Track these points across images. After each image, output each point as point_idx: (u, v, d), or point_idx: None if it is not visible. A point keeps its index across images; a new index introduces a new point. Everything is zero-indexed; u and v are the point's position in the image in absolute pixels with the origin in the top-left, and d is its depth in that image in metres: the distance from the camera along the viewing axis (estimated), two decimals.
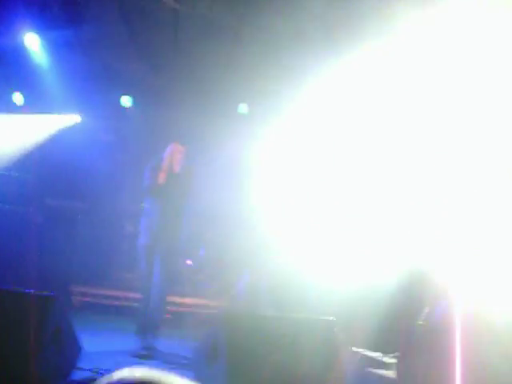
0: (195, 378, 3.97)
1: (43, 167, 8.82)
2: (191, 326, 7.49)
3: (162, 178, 5.57)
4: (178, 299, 7.85)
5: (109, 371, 3.74)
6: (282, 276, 8.07)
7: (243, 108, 9.08)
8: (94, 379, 3.94)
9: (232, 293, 8.18)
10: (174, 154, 5.65)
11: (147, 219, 5.75)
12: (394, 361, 4.76)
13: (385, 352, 5.37)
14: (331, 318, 4.09)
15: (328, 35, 7.29)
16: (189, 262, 8.72)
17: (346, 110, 7.64)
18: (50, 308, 3.62)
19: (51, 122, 9.11)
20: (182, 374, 3.66)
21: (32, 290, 3.78)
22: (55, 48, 7.63)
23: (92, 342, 4.35)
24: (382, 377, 4.62)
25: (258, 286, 8.36)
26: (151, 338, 5.32)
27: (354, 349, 5.32)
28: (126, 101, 8.87)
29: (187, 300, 8.12)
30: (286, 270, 7.96)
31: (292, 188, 8.38)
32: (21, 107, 8.71)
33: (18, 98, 8.64)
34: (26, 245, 7.39)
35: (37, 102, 8.58)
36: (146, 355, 5.03)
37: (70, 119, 9.22)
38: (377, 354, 5.34)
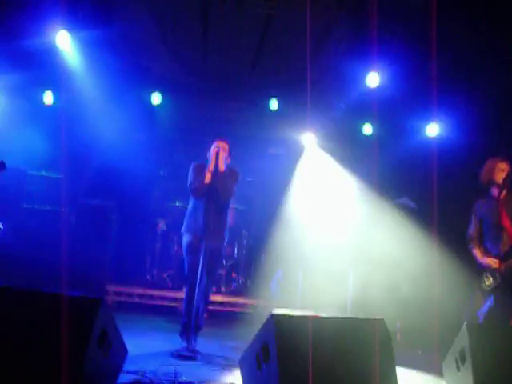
0: (244, 379, 3.90)
1: (75, 167, 8.84)
2: (226, 325, 7.47)
3: (208, 178, 5.51)
4: (213, 297, 7.81)
5: (154, 373, 3.70)
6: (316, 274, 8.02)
7: (274, 104, 8.98)
8: (140, 382, 3.90)
9: (266, 291, 8.13)
10: (219, 153, 5.57)
11: (191, 219, 5.67)
12: None
13: None
14: (381, 317, 4.00)
15: None
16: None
17: None
18: (96, 311, 3.56)
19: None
20: (228, 376, 3.61)
21: (77, 293, 3.73)
22: (86, 47, 7.61)
23: (134, 344, 4.29)
24: None
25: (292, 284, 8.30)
26: (194, 340, 5.26)
27: None
28: (156, 99, 8.82)
29: (221, 298, 8.07)
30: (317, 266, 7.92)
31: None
32: (51, 107, 8.71)
33: (48, 97, 8.64)
34: (60, 245, 7.39)
35: (68, 102, 8.57)
36: (191, 357, 4.96)
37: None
38: None
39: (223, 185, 5.54)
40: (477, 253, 5.40)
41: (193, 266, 5.44)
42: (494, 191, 5.41)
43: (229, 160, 5.82)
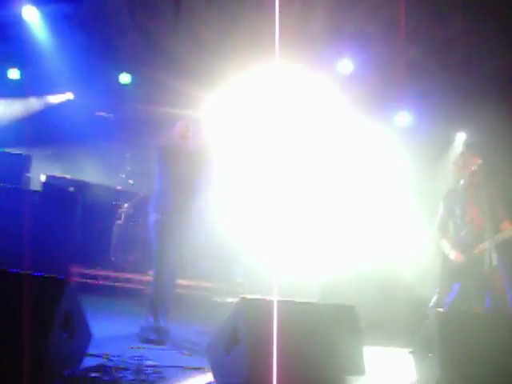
0: (212, 364, 3.85)
1: (39, 144, 8.64)
2: (195, 309, 7.40)
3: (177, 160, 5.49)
4: (180, 280, 7.74)
5: (120, 357, 3.61)
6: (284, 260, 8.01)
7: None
8: (105, 366, 3.82)
9: (232, 275, 8.11)
10: (183, 132, 5.56)
11: (159, 200, 5.56)
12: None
13: None
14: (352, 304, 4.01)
15: None
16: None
17: None
18: (61, 292, 3.46)
19: (46, 100, 8.97)
20: (195, 361, 3.55)
21: (42, 273, 3.62)
22: (54, 22, 7.42)
23: (99, 327, 4.19)
24: None
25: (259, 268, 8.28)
26: (162, 320, 5.20)
27: None
28: (125, 78, 8.66)
29: (190, 282, 8.00)
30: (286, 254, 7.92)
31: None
32: (16, 82, 8.49)
33: (13, 73, 8.42)
34: (23, 226, 7.21)
35: (33, 78, 8.36)
36: (158, 340, 4.88)
37: (63, 97, 9.08)
38: None
39: (191, 164, 5.51)
40: (445, 244, 5.46)
41: (161, 240, 5.36)
42: (464, 183, 5.47)
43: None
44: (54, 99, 9.10)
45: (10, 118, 8.75)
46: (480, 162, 5.38)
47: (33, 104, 8.94)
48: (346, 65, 7.97)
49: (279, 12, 6.95)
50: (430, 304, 5.56)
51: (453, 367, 3.86)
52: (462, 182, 5.50)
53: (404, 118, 8.85)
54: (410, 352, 4.48)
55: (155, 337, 4.91)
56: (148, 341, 4.83)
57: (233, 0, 7.46)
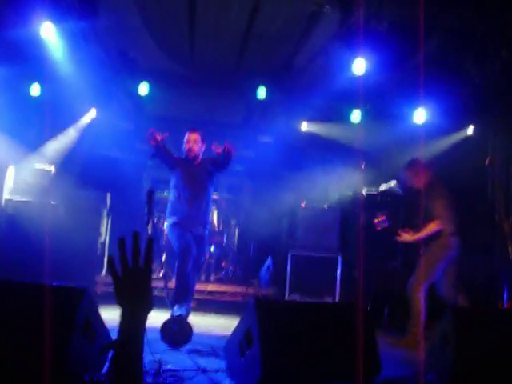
0: (228, 366, 3.94)
1: (64, 158, 8.84)
2: (215, 314, 7.50)
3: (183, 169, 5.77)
4: (202, 286, 7.85)
5: None
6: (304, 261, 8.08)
7: (262, 92, 8.98)
8: None
9: (256, 279, 8.18)
10: (191, 149, 5.84)
11: (174, 208, 5.90)
12: None
13: None
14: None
15: None
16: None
17: None
18: (80, 300, 3.59)
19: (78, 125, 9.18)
20: (215, 363, 3.65)
21: (60, 283, 3.76)
22: (71, 38, 7.58)
23: None
24: None
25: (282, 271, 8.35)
26: (185, 312, 5.49)
27: None
28: (143, 89, 8.81)
29: (210, 287, 8.10)
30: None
31: None
32: (38, 98, 8.68)
33: (35, 88, 8.60)
34: (50, 237, 7.39)
35: (54, 93, 8.55)
36: (180, 331, 4.99)
37: (89, 116, 9.27)
38: None
39: (200, 175, 5.77)
40: None
41: (181, 237, 5.64)
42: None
43: (203, 147, 6.07)
44: (85, 119, 9.30)
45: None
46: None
47: (72, 133, 9.19)
48: (360, 64, 7.98)
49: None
50: None
51: (468, 361, 3.89)
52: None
53: (421, 114, 8.83)
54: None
55: (177, 328, 5.02)
56: (171, 332, 4.94)
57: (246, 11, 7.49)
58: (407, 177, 6.38)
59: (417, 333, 5.72)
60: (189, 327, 5.10)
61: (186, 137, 6.07)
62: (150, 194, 4.68)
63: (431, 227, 5.92)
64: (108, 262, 1.70)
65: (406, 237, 6.08)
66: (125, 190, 9.26)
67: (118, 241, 1.70)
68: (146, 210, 4.61)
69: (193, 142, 6.00)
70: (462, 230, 6.08)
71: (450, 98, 8.17)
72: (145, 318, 1.70)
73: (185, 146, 6.02)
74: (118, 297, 1.68)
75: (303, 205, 8.27)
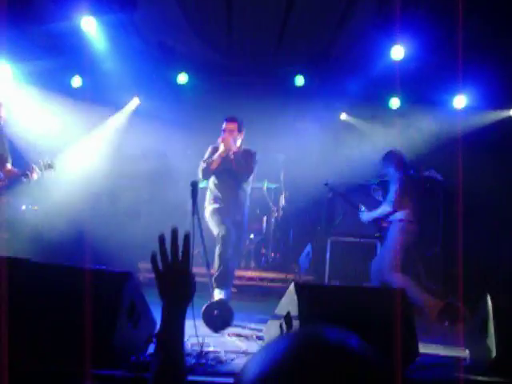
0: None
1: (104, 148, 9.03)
2: (255, 299, 7.60)
3: (216, 163, 5.85)
4: (242, 272, 7.95)
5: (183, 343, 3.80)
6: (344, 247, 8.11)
7: (300, 80, 9.00)
8: None
9: (296, 265, 8.24)
10: (225, 139, 5.92)
11: (212, 195, 6.04)
12: None
13: None
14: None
15: None
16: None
17: None
18: (125, 284, 3.71)
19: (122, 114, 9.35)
20: (255, 346, 3.73)
21: (106, 268, 3.89)
22: (111, 30, 7.74)
23: None
24: None
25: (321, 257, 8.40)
26: (226, 295, 5.66)
27: None
28: (182, 78, 8.92)
29: (251, 273, 8.20)
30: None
31: None
32: (79, 90, 8.86)
33: (76, 81, 8.78)
34: (91, 224, 7.60)
35: (95, 85, 8.72)
36: (221, 315, 5.10)
37: (131, 105, 9.42)
38: None
39: (239, 164, 5.83)
40: None
41: (220, 223, 5.79)
42: None
43: (241, 136, 6.06)
44: (129, 107, 9.45)
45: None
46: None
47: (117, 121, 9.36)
48: (399, 50, 7.93)
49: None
50: None
51: (506, 347, 3.89)
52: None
53: (461, 100, 8.72)
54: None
55: (219, 312, 5.13)
56: (212, 316, 5.06)
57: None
58: (383, 165, 6.64)
59: (431, 306, 5.81)
60: (230, 311, 5.20)
61: (224, 126, 6.13)
62: (194, 185, 4.76)
63: (382, 209, 6.31)
64: (150, 258, 1.80)
65: (363, 215, 6.63)
66: (165, 177, 9.39)
67: (158, 238, 1.82)
68: (191, 201, 4.69)
69: (228, 132, 6.07)
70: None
71: (491, 81, 8.05)
72: (185, 309, 1.81)
73: (221, 135, 6.09)
74: (160, 290, 1.81)
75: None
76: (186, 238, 1.83)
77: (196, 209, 4.72)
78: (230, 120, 6.16)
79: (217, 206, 6.04)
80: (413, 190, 6.33)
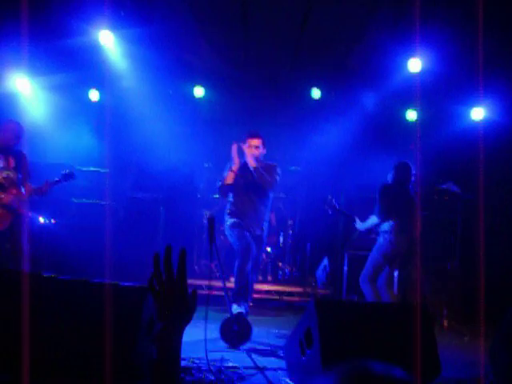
0: (288, 365, 3.99)
1: (122, 161, 9.07)
2: (273, 313, 7.56)
3: (230, 178, 5.81)
4: (259, 286, 7.92)
5: (202, 359, 3.80)
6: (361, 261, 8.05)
7: (316, 93, 9.00)
8: (189, 367, 4.02)
9: (312, 279, 8.19)
10: (252, 150, 5.89)
11: (233, 207, 6.01)
12: None
13: None
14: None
15: None
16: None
17: None
18: (145, 300, 3.69)
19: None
20: (274, 362, 3.70)
21: (126, 283, 3.88)
22: (128, 45, 7.80)
23: (184, 332, 4.40)
24: None
25: (338, 271, 8.35)
26: (244, 309, 5.62)
27: None
28: (198, 92, 8.96)
29: (268, 287, 8.17)
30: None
31: None
32: (97, 103, 8.93)
33: (93, 94, 8.86)
34: (108, 238, 7.61)
35: (112, 98, 8.78)
36: (240, 332, 5.08)
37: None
38: None
39: (263, 178, 5.80)
40: None
41: (241, 237, 5.80)
42: None
43: (264, 151, 6.03)
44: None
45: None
46: None
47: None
48: (416, 63, 7.91)
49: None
50: None
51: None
52: None
53: (479, 112, 8.67)
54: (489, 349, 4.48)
55: (237, 327, 5.10)
56: (231, 331, 5.03)
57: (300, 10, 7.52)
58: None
59: None
60: (248, 326, 5.17)
61: (248, 142, 6.03)
62: (211, 220, 4.76)
63: (371, 220, 6.32)
64: (148, 279, 1.72)
65: (358, 225, 6.61)
66: (180, 192, 9.42)
67: (153, 257, 1.73)
68: (208, 235, 4.70)
69: (255, 148, 6.00)
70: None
71: (509, 93, 8.00)
72: (182, 333, 1.70)
73: (249, 151, 5.96)
74: (156, 311, 1.70)
75: None
76: (182, 255, 1.71)
77: (214, 243, 4.72)
78: (254, 136, 6.06)
79: (237, 220, 5.99)
80: (401, 202, 6.26)
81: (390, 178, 6.43)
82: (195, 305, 1.74)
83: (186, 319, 1.71)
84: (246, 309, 5.72)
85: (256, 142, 5.99)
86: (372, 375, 0.96)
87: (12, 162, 5.90)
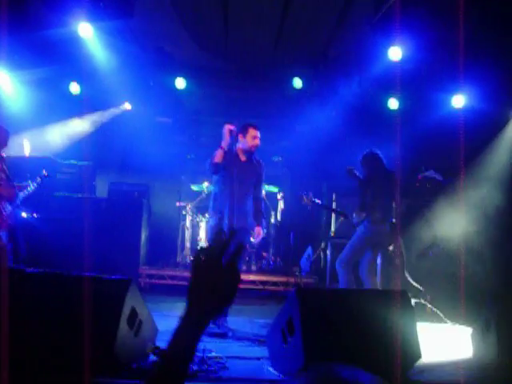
0: (270, 354, 4.01)
1: (103, 153, 9.04)
2: (257, 303, 7.58)
3: (219, 155, 5.66)
4: (243, 276, 7.93)
5: None
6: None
7: (298, 83, 9.00)
8: None
9: (296, 268, 8.21)
10: (257, 141, 5.83)
11: (217, 202, 5.84)
12: None
13: None
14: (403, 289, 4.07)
15: None
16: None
17: None
18: (126, 292, 3.70)
19: (106, 113, 9.35)
20: (257, 351, 3.71)
21: (106, 275, 3.87)
22: (108, 37, 7.74)
23: (166, 323, 4.41)
24: None
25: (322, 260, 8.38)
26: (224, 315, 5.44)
27: None
28: (180, 83, 8.92)
29: (252, 277, 8.19)
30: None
31: None
32: (77, 96, 8.87)
33: (74, 87, 8.80)
34: (90, 231, 7.57)
35: (93, 91, 8.73)
36: (220, 333, 5.09)
37: (121, 109, 9.44)
38: None
39: (246, 172, 5.73)
40: None
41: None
42: None
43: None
44: (115, 111, 9.46)
45: (81, 135, 9.23)
46: None
47: (98, 118, 9.36)
48: (396, 51, 7.92)
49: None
50: None
51: (509, 347, 3.89)
52: None
53: (460, 99, 8.71)
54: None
55: (218, 330, 5.12)
56: (211, 335, 5.04)
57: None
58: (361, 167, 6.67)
59: None
60: (228, 327, 5.29)
61: (254, 133, 5.91)
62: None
63: (355, 211, 6.48)
64: (197, 251, 1.48)
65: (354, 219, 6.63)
66: (164, 183, 9.41)
67: (217, 232, 1.67)
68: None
69: (258, 139, 5.91)
70: None
71: (490, 81, 8.03)
72: (208, 324, 1.44)
73: (252, 142, 5.85)
74: (189, 292, 1.44)
75: None
76: (240, 247, 1.49)
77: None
78: (257, 127, 6.00)
79: (216, 220, 5.81)
80: (381, 193, 6.30)
81: (362, 174, 6.49)
82: (234, 294, 1.47)
83: (220, 311, 1.47)
84: (223, 319, 5.61)
85: (258, 133, 5.93)
86: (339, 381, 0.97)
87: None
